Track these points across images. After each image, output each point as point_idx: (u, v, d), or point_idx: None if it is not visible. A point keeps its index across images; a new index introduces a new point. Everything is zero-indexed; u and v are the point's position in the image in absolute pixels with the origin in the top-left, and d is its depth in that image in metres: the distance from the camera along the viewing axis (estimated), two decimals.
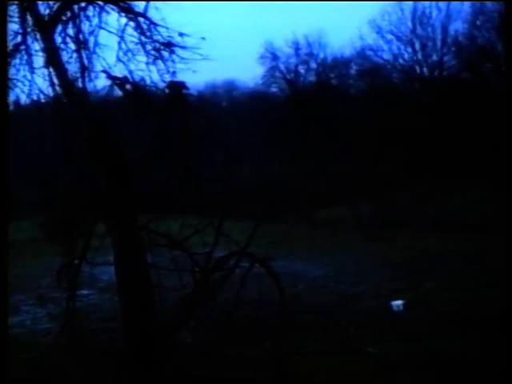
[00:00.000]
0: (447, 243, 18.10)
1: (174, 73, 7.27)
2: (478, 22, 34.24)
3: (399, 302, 10.33)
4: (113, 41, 6.87)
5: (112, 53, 6.90)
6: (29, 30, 6.46)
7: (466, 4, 40.67)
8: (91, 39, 6.77)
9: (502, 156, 26.69)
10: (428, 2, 34.98)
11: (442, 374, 6.36)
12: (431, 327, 8.69)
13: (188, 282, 8.45)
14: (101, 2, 6.75)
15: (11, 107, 7.32)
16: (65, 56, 6.69)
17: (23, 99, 6.88)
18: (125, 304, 6.38)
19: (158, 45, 7.11)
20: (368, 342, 8.15)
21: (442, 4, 34.97)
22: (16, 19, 6.46)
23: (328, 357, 7.26)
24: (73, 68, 6.70)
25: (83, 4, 6.72)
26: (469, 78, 36.84)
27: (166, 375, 6.15)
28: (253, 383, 6.39)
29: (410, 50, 35.97)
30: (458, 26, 36.18)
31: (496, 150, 29.31)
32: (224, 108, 42.46)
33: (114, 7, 6.84)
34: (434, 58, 35.85)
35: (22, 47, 6.55)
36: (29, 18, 6.49)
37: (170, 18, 7.06)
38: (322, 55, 40.48)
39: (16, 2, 6.48)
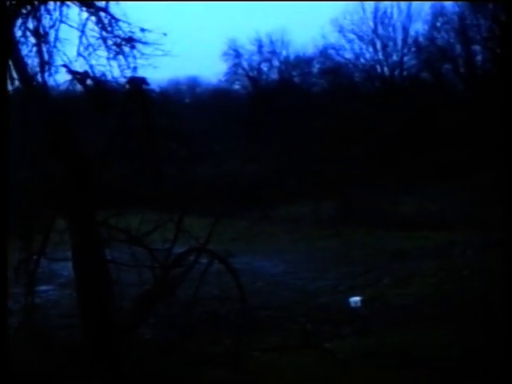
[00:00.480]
0: (405, 240, 18.35)
1: (135, 68, 7.24)
2: (437, 24, 34.83)
3: (357, 298, 10.46)
4: (74, 35, 6.82)
5: (73, 47, 6.84)
6: None
7: (426, 5, 41.34)
8: (52, 33, 6.70)
9: (460, 153, 27.01)
10: (389, 3, 35.41)
11: (398, 369, 6.47)
12: (388, 323, 8.82)
13: (147, 278, 8.42)
14: None
15: None
16: (24, 50, 6.62)
17: None
18: (83, 300, 6.34)
19: (119, 40, 7.07)
20: (326, 337, 8.24)
21: (402, 5, 35.45)
22: None
23: (286, 353, 7.31)
24: (33, 62, 6.64)
25: None
26: (428, 78, 37.44)
27: (125, 372, 6.13)
28: (212, 379, 6.40)
29: (371, 49, 36.45)
30: (418, 27, 36.79)
31: (453, 147, 29.84)
32: (187, 105, 42.28)
33: (75, 1, 6.79)
34: (395, 57, 36.40)
35: None
36: None
37: (132, 13, 7.04)
38: (284, 53, 40.70)
39: None
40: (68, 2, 6.80)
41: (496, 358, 6.49)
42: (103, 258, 6.24)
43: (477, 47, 33.56)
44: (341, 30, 36.31)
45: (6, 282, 5.07)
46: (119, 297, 7.32)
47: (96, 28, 6.92)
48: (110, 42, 7.01)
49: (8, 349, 4.59)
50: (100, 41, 6.98)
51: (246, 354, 7.24)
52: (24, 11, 6.65)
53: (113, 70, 7.05)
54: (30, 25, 6.67)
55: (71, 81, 6.92)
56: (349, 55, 37.04)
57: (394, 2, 35.20)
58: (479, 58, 34.24)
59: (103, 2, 6.91)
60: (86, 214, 5.68)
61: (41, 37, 6.68)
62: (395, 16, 35.37)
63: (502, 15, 30.16)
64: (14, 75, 6.54)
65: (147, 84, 7.47)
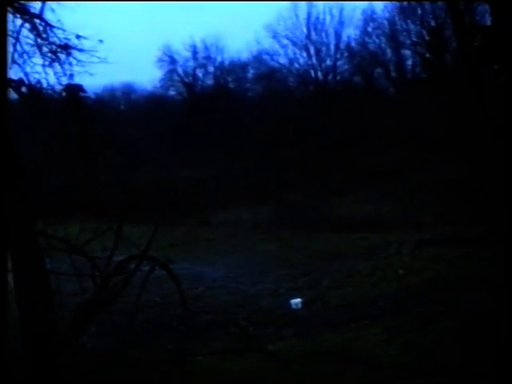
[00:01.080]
0: (342, 242, 18.67)
1: (71, 75, 7.19)
2: (369, 29, 35.58)
3: (297, 300, 10.58)
4: (8, 42, 6.72)
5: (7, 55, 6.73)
6: None
7: (358, 10, 42.20)
8: None
9: (391, 157, 27.51)
10: (322, 8, 35.93)
11: (338, 368, 6.60)
12: (328, 323, 8.96)
13: (88, 287, 8.34)
14: None
15: None
16: None
17: None
18: (23, 311, 6.25)
19: (54, 47, 7.00)
20: (268, 340, 8.32)
21: (335, 10, 36.04)
22: None
23: (229, 356, 7.36)
24: None
25: None
26: (360, 82, 38.17)
27: (68, 382, 6.06)
28: None
29: (305, 54, 37.00)
30: (350, 32, 37.49)
31: (385, 151, 30.52)
32: (122, 111, 41.85)
33: (8, 8, 6.68)
34: (328, 62, 37.04)
35: None
36: None
37: (67, 19, 6.99)
38: (219, 59, 40.86)
39: None
40: None
41: (433, 354, 6.71)
42: (43, 268, 6.16)
43: (407, 52, 34.46)
44: (275, 36, 36.74)
45: (6, 282, 5.13)
46: (60, 306, 7.24)
47: (30, 35, 6.84)
48: (45, 49, 6.95)
49: (7, 349, 4.60)
50: (35, 48, 6.91)
51: (190, 359, 7.27)
52: None
53: (48, 77, 6.99)
54: None
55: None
56: (283, 60, 37.53)
57: (327, 8, 35.73)
58: (409, 62, 35.17)
59: (38, 8, 6.83)
60: (24, 223, 5.59)
61: None
62: (327, 21, 35.98)
63: (431, 20, 31.08)
64: None
65: (84, 91, 7.43)
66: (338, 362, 6.71)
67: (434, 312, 8.63)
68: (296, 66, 37.64)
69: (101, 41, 7.02)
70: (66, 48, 7.03)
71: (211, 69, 41.43)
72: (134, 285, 7.93)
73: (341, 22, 35.94)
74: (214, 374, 6.69)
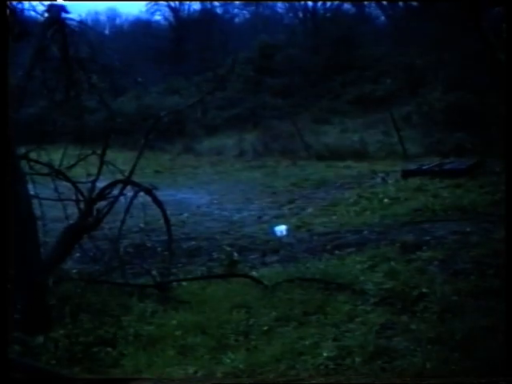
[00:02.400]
0: (328, 170, 18.68)
1: None
2: None
3: (282, 227, 10.61)
4: None
5: None
6: None
7: None
8: None
9: (380, 87, 27.27)
10: None
11: (322, 294, 6.64)
12: (312, 250, 9.02)
13: (72, 213, 8.31)
14: None
15: None
16: None
17: None
18: (5, 238, 6.21)
19: None
20: (252, 266, 8.37)
21: None
22: None
23: (213, 281, 7.39)
24: None
25: None
26: (350, 9, 37.54)
27: (50, 305, 6.07)
28: (140, 310, 6.43)
29: None
30: None
31: (374, 80, 30.22)
32: (107, 36, 40.96)
33: None
34: None
35: None
36: None
37: None
38: None
39: None
40: None
41: (417, 282, 6.77)
42: (26, 194, 6.07)
43: None
44: None
45: (7, 281, 5.08)
46: (43, 232, 7.21)
47: None
48: None
49: (7, 348, 4.59)
50: None
51: (174, 285, 7.30)
52: None
53: None
54: None
55: None
56: None
57: None
58: None
59: None
60: (5, 147, 5.46)
61: None
62: None
63: None
64: None
65: (67, 12, 7.23)
66: (322, 289, 6.75)
67: (418, 241, 8.69)
68: None
69: None
70: None
71: None
72: (118, 211, 7.91)
73: None
74: (198, 299, 6.72)
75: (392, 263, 7.55)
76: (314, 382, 4.56)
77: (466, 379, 4.46)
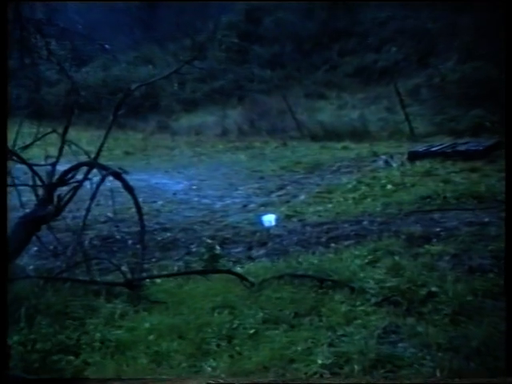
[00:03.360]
0: (323, 152, 18.70)
1: None
2: None
3: (270, 217, 10.61)
4: None
5: None
6: None
7: None
8: None
9: (383, 56, 27.20)
10: None
11: (314, 292, 6.64)
12: (305, 243, 9.01)
13: (28, 200, 8.24)
14: None
15: None
16: None
17: None
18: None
19: None
20: (236, 261, 8.36)
21: None
22: None
23: (192, 278, 7.37)
24: None
25: None
26: None
27: (6, 309, 6.01)
28: (107, 313, 6.39)
29: None
30: None
31: (377, 49, 30.17)
32: None
33: None
34: None
35: None
36: None
37: None
38: None
39: None
40: None
41: (424, 280, 6.77)
42: None
43: None
44: None
45: (7, 277, 5.24)
46: None
47: None
48: None
49: (6, 346, 4.69)
50: None
51: (147, 282, 7.28)
52: None
53: None
54: None
55: None
56: None
57: None
58: None
59: None
60: None
61: None
62: None
63: None
64: None
65: None
66: (316, 287, 6.75)
67: (427, 233, 8.69)
68: None
69: None
70: None
71: None
72: (83, 198, 7.85)
73: None
74: (173, 298, 6.69)
75: (396, 258, 7.55)
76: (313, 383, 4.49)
77: (466, 379, 4.56)
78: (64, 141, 7.79)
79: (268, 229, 10.03)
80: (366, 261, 7.62)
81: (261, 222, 10.44)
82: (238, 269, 7.74)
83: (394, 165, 15.18)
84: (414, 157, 15.12)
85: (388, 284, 6.69)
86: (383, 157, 16.39)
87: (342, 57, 31.54)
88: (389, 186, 12.58)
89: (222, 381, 4.84)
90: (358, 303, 6.31)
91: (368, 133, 20.95)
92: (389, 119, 22.08)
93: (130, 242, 9.42)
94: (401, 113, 21.06)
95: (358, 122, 21.92)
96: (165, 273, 7.80)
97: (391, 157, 16.18)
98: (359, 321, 5.92)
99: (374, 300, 6.37)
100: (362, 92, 27.12)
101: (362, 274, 7.06)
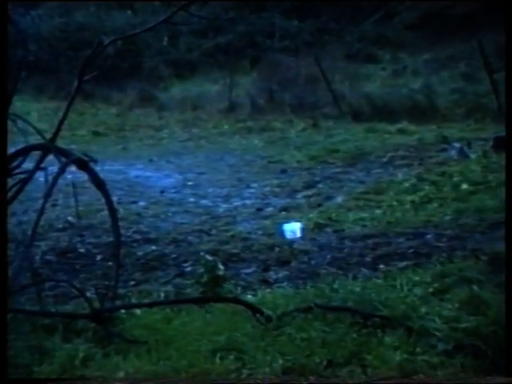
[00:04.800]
0: (369, 136, 18.74)
1: None
2: None
3: (295, 225, 10.60)
4: None
5: None
6: None
7: None
8: None
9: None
10: None
11: (359, 334, 6.65)
12: (341, 262, 9.04)
13: None
14: None
15: None
16: None
17: None
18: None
19: None
20: (246, 285, 8.38)
21: None
22: None
23: (184, 308, 7.39)
24: None
25: None
26: None
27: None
28: (62, 358, 6.41)
29: None
30: None
31: None
32: None
33: None
34: None
35: None
36: None
37: None
38: None
39: None
40: None
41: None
42: None
43: None
44: None
45: (6, 281, 5.80)
46: None
47: None
48: None
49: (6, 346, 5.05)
50: None
51: (121, 314, 7.30)
52: None
53: None
54: None
55: None
56: None
57: None
58: None
59: None
60: None
61: None
62: None
63: None
64: None
65: None
66: (357, 325, 6.71)
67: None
68: None
69: None
70: None
71: None
72: (33, 195, 7.88)
73: None
74: (156, 337, 6.71)
75: (474, 288, 7.52)
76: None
77: (466, 380, 4.94)
78: (6, 114, 7.82)
79: (291, 242, 10.04)
80: (431, 290, 7.59)
81: (281, 233, 10.45)
82: (249, 297, 7.75)
83: (473, 156, 15.15)
84: (501, 144, 15.06)
85: (463, 325, 6.65)
86: (457, 144, 16.38)
87: (401, 0, 31.24)
88: (464, 186, 12.56)
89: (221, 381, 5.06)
90: (419, 350, 6.29)
91: (435, 110, 20.95)
92: (467, 91, 22.03)
93: (98, 257, 9.45)
94: (485, 81, 20.98)
95: (421, 94, 21.92)
96: (147, 301, 7.82)
97: (468, 144, 16.16)
98: (421, 375, 5.89)
99: (441, 347, 6.33)
100: (427, 51, 27.06)
101: (424, 309, 7.03)
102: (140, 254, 9.77)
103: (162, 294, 8.13)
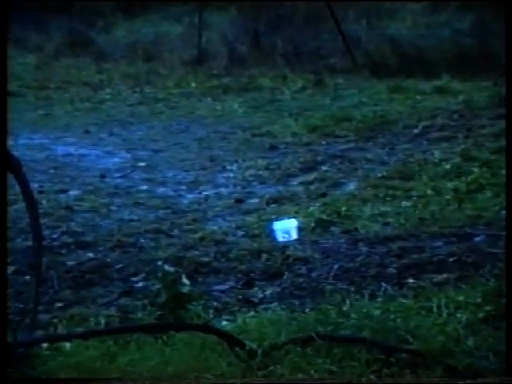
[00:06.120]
0: (393, 98, 18.77)
1: None
2: None
3: (289, 224, 10.63)
4: None
5: None
6: None
7: None
8: None
9: None
10: None
11: (374, 371, 6.70)
12: (352, 275, 9.11)
13: None
14: None
15: None
16: None
17: None
18: None
19: None
20: (220, 306, 8.42)
21: None
22: None
23: (134, 340, 7.44)
24: None
25: None
26: None
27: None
28: None
29: None
30: None
31: None
32: None
33: None
34: None
35: None
36: None
37: None
38: None
39: None
40: None
41: None
42: None
43: None
44: None
45: (6, 281, 6.70)
46: None
47: None
48: None
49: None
50: None
51: (42, 348, 7.33)
52: None
53: None
54: None
55: None
56: None
57: None
58: None
59: None
60: None
61: None
62: None
63: None
64: None
65: None
66: (377, 362, 6.76)
67: None
68: None
69: None
70: None
71: None
72: None
73: None
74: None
75: None
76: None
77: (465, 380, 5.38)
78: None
79: (284, 247, 10.09)
80: (481, 315, 7.66)
81: (270, 234, 10.50)
82: (225, 323, 7.81)
83: None
84: None
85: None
86: None
87: None
88: None
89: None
90: None
91: (490, 59, 20.98)
92: None
93: (10, 269, 9.45)
94: None
95: (470, 37, 21.95)
96: (81, 330, 7.85)
97: None
98: None
99: None
100: None
101: (471, 342, 7.10)
102: (71, 263, 9.79)
103: (103, 321, 8.17)
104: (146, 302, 8.49)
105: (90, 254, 10.11)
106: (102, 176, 13.99)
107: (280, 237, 10.40)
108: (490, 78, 19.59)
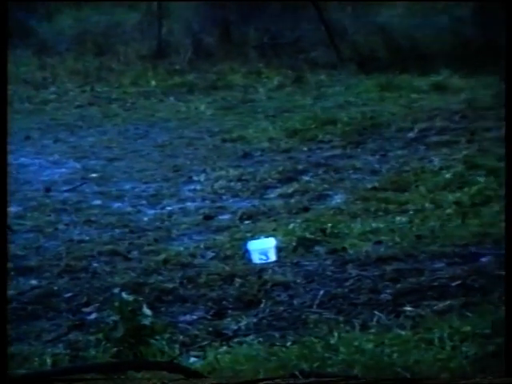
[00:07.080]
0: (385, 97, 18.84)
1: None
2: None
3: (266, 243, 10.64)
4: None
5: None
6: None
7: None
8: None
9: None
10: None
11: None
12: (339, 304, 9.12)
13: None
14: None
15: None
16: None
17: None
18: None
19: None
20: (188, 341, 8.42)
21: None
22: None
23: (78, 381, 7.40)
24: None
25: None
26: None
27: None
28: None
29: None
30: None
31: None
32: None
33: None
34: None
35: None
36: None
37: None
38: None
39: None
40: None
41: None
42: None
43: None
44: None
45: (6, 279, 7.15)
46: None
47: None
48: None
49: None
50: None
51: None
52: None
53: None
54: None
55: None
56: None
57: None
58: None
59: None
60: None
61: None
62: None
63: None
64: None
65: None
66: None
67: None
68: None
69: None
70: None
71: None
72: None
73: None
74: None
75: None
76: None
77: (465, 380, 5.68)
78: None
79: (261, 269, 10.10)
80: (490, 349, 7.65)
81: (245, 255, 10.51)
82: (194, 360, 7.81)
83: None
84: None
85: None
86: None
87: None
88: None
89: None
90: None
91: (496, 52, 21.06)
92: None
93: None
94: None
95: (472, 26, 22.05)
96: (22, 372, 7.83)
97: None
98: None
99: None
100: None
101: (479, 379, 7.11)
102: (10, 293, 9.75)
103: (49, 360, 8.15)
104: (100, 336, 8.48)
105: (34, 282, 10.11)
106: (47, 189, 14.00)
107: (256, 258, 10.43)
108: (496, 73, 19.62)
